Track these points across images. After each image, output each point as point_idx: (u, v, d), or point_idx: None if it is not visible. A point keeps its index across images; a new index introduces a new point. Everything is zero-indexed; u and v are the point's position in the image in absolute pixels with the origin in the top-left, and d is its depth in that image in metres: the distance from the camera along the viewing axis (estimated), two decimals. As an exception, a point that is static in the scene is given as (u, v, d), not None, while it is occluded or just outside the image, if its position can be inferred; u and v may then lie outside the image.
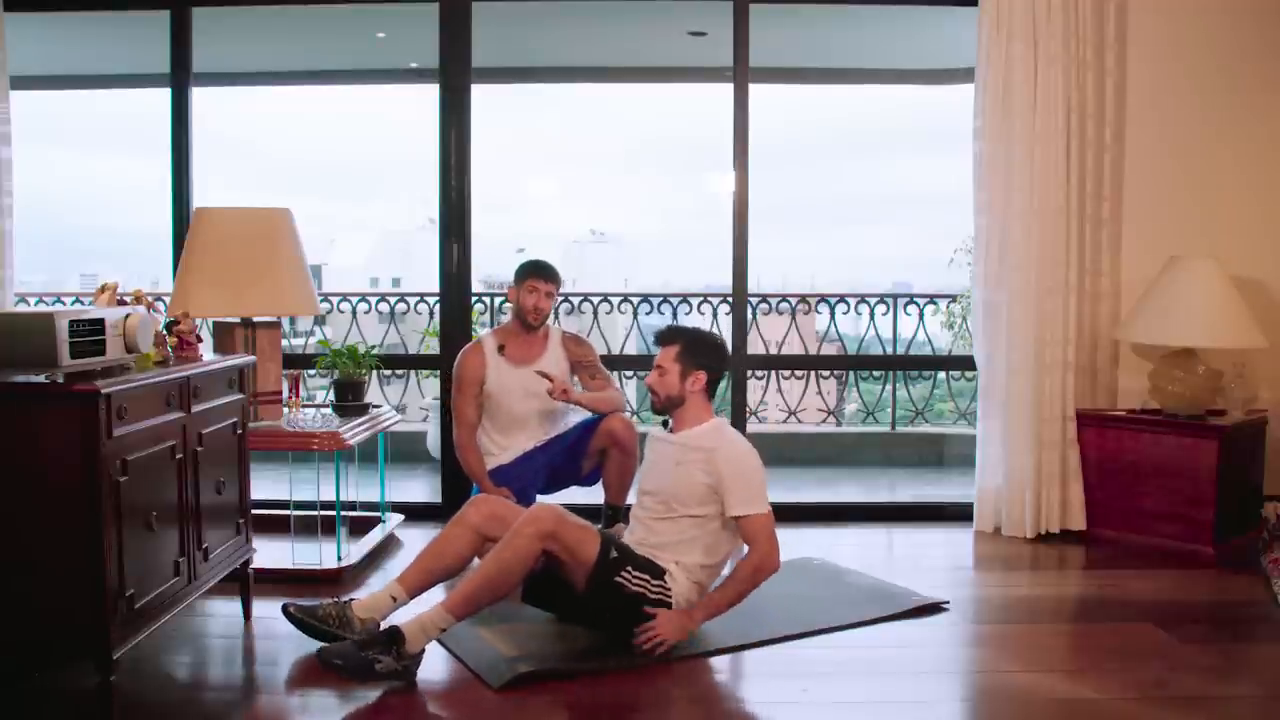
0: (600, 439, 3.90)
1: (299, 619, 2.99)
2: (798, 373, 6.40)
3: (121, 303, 2.94)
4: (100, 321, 2.64)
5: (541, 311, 4.04)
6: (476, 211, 4.63)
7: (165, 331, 3.05)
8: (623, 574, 2.99)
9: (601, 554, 2.97)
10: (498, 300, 6.34)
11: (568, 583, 3.02)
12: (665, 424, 3.28)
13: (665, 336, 3.24)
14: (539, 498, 3.83)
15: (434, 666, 2.86)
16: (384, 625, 2.91)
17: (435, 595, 3.12)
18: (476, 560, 3.15)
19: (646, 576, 3.02)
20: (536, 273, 4.04)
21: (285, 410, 3.96)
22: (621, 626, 3.04)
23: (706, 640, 3.11)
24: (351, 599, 3.02)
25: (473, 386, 4.02)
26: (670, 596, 3.05)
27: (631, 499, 3.41)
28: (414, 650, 2.79)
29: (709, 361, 3.18)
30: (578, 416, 4.07)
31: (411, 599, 3.04)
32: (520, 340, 4.06)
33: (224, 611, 3.32)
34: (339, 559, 3.76)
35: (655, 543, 3.10)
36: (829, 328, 6.77)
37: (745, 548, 3.09)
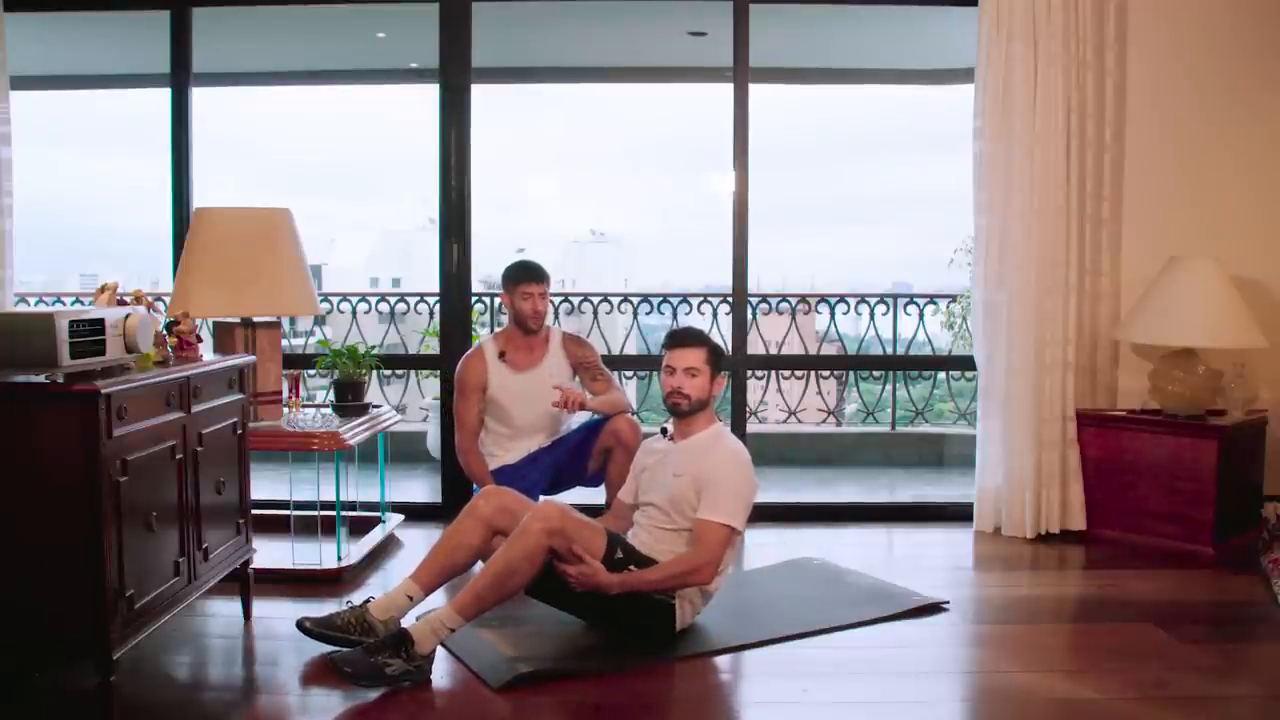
0: (605, 439, 3.89)
1: (318, 633, 2.95)
2: (798, 373, 6.40)
3: (121, 303, 2.94)
4: (100, 321, 2.64)
5: (540, 314, 4.04)
6: (476, 211, 4.63)
7: (165, 331, 3.04)
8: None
9: (607, 553, 2.98)
10: (497, 300, 6.33)
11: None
12: (664, 431, 3.28)
13: (690, 338, 3.22)
14: (542, 498, 3.83)
15: (434, 667, 2.85)
16: (403, 624, 2.90)
17: (443, 595, 3.12)
18: (480, 563, 3.14)
19: (650, 577, 3.02)
20: (527, 277, 4.03)
21: (285, 410, 3.96)
22: (623, 624, 3.06)
23: (707, 640, 3.11)
24: (367, 601, 3.01)
25: (475, 392, 4.02)
26: (673, 597, 3.06)
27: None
28: (424, 651, 2.79)
29: (722, 363, 3.23)
30: (581, 417, 4.07)
31: (427, 595, 3.04)
32: (521, 344, 4.06)
33: (224, 611, 3.31)
34: (339, 559, 3.76)
35: (659, 549, 3.11)
36: (829, 328, 6.77)
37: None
